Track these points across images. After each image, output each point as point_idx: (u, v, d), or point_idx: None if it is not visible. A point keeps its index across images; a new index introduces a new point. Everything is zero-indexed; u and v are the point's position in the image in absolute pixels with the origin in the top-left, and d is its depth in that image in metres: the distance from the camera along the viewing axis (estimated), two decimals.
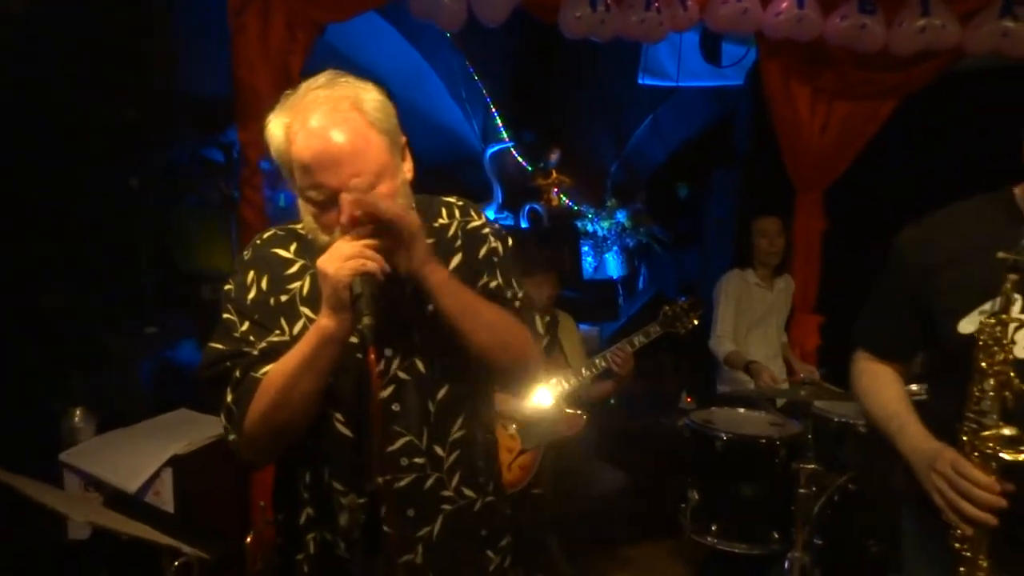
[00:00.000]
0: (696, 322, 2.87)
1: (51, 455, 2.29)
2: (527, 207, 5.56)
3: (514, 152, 5.58)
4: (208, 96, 3.34)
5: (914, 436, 1.34)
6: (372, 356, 1.03)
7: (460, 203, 1.32)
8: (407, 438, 1.19)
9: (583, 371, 2.78)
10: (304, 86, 1.15)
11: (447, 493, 1.23)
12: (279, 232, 1.26)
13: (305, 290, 1.20)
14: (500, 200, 5.59)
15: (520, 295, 1.31)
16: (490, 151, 5.54)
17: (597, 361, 2.79)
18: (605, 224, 5.75)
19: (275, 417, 1.12)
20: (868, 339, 1.54)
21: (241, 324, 1.19)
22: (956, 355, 1.31)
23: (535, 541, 2.91)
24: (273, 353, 1.15)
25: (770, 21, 3.31)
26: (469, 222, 1.29)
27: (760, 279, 3.40)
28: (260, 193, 2.82)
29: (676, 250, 5.85)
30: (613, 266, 5.89)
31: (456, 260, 1.25)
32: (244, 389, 1.14)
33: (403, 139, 1.21)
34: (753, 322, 3.41)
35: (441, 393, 1.22)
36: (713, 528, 2.75)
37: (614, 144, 5.96)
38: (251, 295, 1.20)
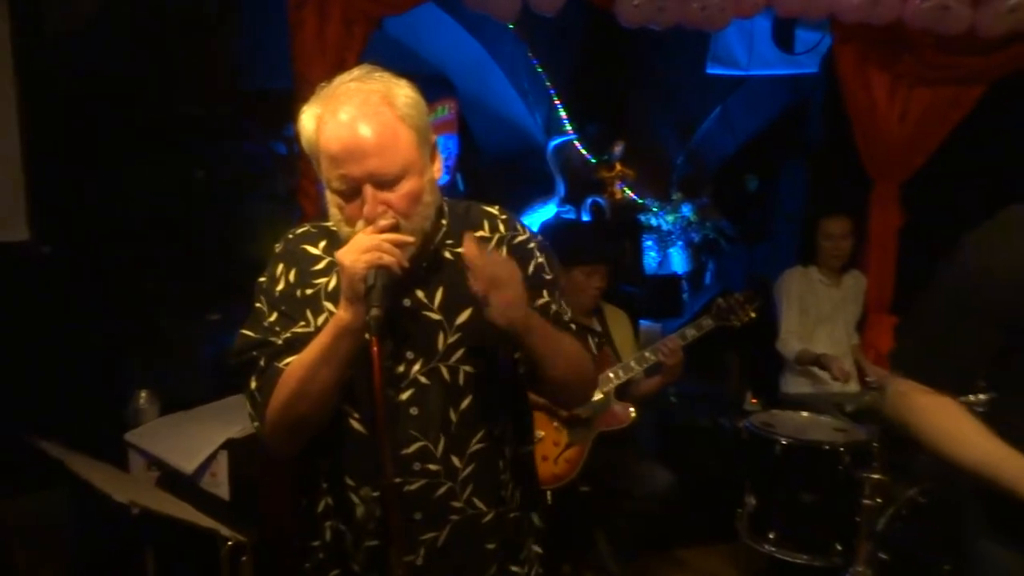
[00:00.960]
0: (753, 315, 2.75)
1: (118, 435, 2.41)
2: (589, 200, 5.48)
3: (577, 144, 5.51)
4: (274, 90, 3.42)
5: None
6: (376, 348, 1.03)
7: (503, 216, 1.29)
8: (422, 443, 1.19)
9: (632, 364, 2.72)
10: (338, 79, 1.16)
11: (457, 504, 1.22)
12: (311, 229, 1.27)
13: (331, 286, 1.21)
14: (563, 193, 5.53)
15: (569, 313, 1.31)
16: (553, 144, 5.49)
17: (646, 354, 2.72)
18: (670, 218, 5.61)
19: (294, 408, 1.14)
20: (930, 372, 1.31)
21: (270, 314, 1.21)
22: None
23: (582, 538, 2.87)
24: (297, 343, 1.17)
25: (844, 4, 3.13)
26: (516, 236, 1.27)
27: (824, 276, 3.26)
28: (316, 185, 2.86)
29: (744, 245, 5.66)
30: (678, 261, 5.75)
31: None
32: (267, 378, 1.17)
33: (433, 138, 1.21)
34: (819, 320, 3.27)
35: (465, 403, 1.21)
36: (771, 536, 2.65)
37: (680, 136, 5.80)
38: (279, 287, 1.23)
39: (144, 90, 2.95)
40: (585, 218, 5.49)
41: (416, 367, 1.19)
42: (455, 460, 1.21)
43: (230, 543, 1.59)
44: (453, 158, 5.37)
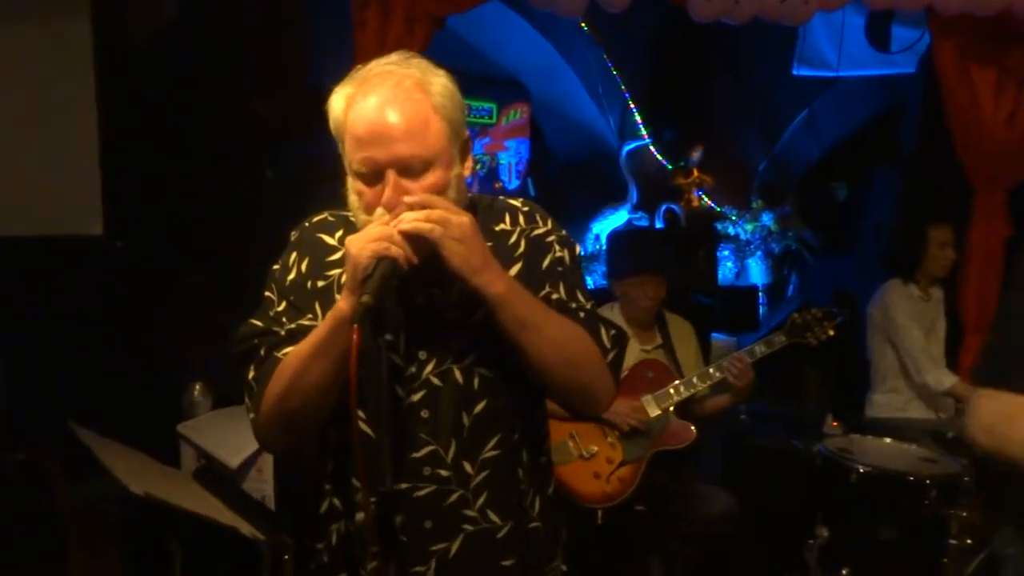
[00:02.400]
0: (831, 333, 2.55)
1: (172, 426, 2.45)
2: (663, 207, 5.30)
3: (652, 149, 5.34)
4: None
5: None
6: (356, 336, 0.97)
7: (525, 208, 1.23)
8: (432, 447, 1.12)
9: (695, 381, 2.56)
10: (374, 62, 1.11)
11: (470, 513, 1.14)
12: (329, 217, 1.22)
13: (344, 278, 1.13)
14: (635, 200, 5.37)
15: (587, 306, 1.20)
16: (627, 148, 5.34)
17: (711, 371, 2.55)
18: (749, 227, 5.35)
19: (287, 402, 1.09)
20: None
21: (278, 304, 1.17)
22: None
23: (635, 562, 2.72)
24: (300, 335, 1.12)
25: None
26: (534, 229, 1.21)
27: (921, 290, 3.02)
28: None
29: (830, 257, 5.33)
30: (756, 272, 5.48)
31: (516, 269, 1.17)
32: (265, 368, 1.12)
33: (466, 134, 1.15)
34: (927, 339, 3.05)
35: (479, 407, 1.14)
36: (844, 572, 2.43)
37: (763, 141, 5.53)
38: (291, 276, 1.18)
39: (217, 90, 3.02)
40: (659, 225, 5.31)
41: (429, 368, 1.12)
42: (467, 466, 1.14)
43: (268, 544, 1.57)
44: (525, 163, 5.32)
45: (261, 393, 1.12)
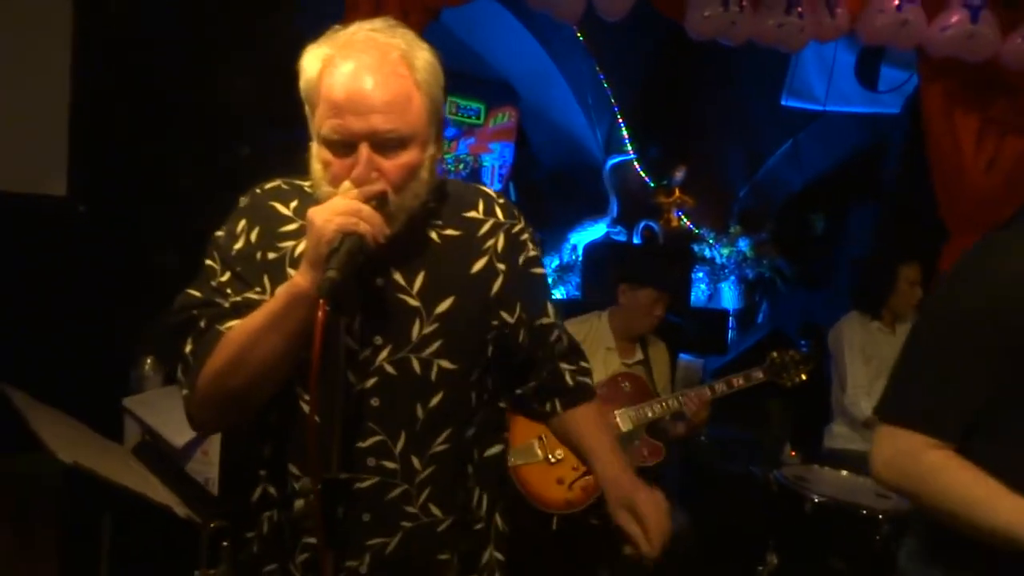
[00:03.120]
0: (804, 377, 2.59)
1: (118, 400, 2.36)
2: (642, 224, 5.30)
3: (637, 166, 5.35)
4: None
5: None
6: (321, 313, 0.91)
7: (501, 200, 1.20)
8: (380, 437, 1.07)
9: (670, 403, 2.56)
10: (356, 25, 1.06)
11: (411, 509, 1.10)
12: (283, 185, 1.15)
13: (298, 251, 1.09)
14: (615, 214, 5.37)
15: (556, 320, 1.24)
16: (611, 162, 5.34)
17: (670, 401, 2.56)
18: (725, 251, 5.38)
19: (229, 379, 1.01)
20: (941, 423, 1.17)
21: (221, 274, 1.09)
22: None
23: (584, 571, 2.69)
24: (246, 309, 1.05)
25: (935, 36, 2.91)
26: (514, 225, 1.18)
27: (883, 324, 3.05)
28: None
29: (803, 288, 5.37)
30: (729, 297, 5.50)
31: (482, 262, 1.13)
32: (205, 342, 1.04)
33: (443, 114, 1.10)
34: (880, 373, 3.05)
35: (435, 400, 1.09)
36: None
37: (746, 167, 5.57)
38: (238, 245, 1.10)
39: (197, 63, 2.94)
40: (636, 241, 5.31)
41: (383, 354, 1.07)
42: (415, 461, 1.09)
43: (213, 525, 1.50)
44: (508, 167, 5.29)
45: (199, 368, 1.04)
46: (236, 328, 1.03)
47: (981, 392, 1.15)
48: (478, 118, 5.04)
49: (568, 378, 1.24)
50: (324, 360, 0.99)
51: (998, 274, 1.15)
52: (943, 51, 2.94)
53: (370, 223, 0.96)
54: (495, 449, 1.20)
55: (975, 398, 1.16)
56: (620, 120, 5.20)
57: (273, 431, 1.10)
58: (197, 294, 1.09)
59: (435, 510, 1.11)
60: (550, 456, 2.52)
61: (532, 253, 1.19)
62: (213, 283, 1.08)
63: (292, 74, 1.07)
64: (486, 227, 1.15)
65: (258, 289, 1.08)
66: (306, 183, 1.11)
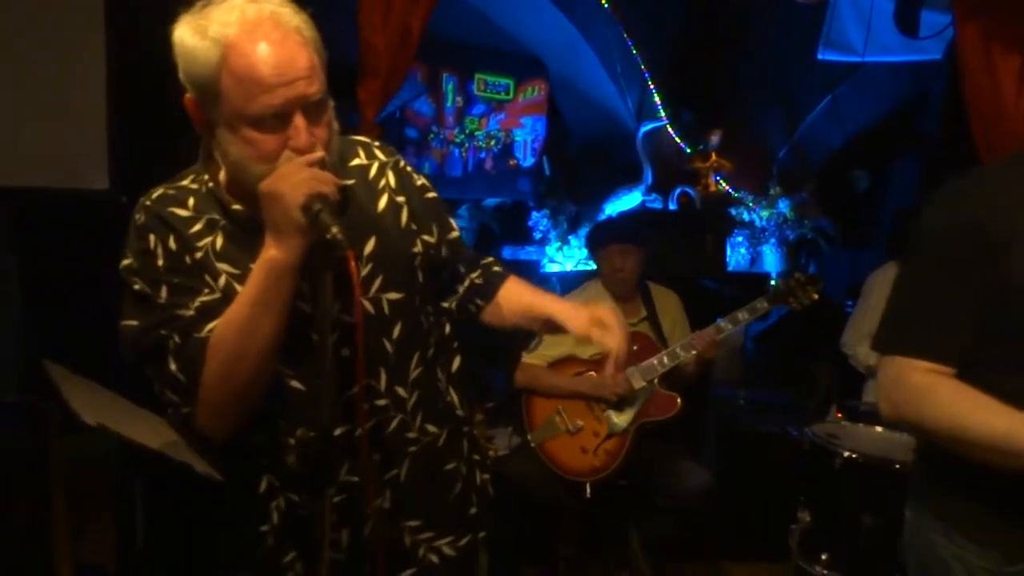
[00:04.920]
0: (815, 297, 2.51)
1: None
2: (678, 190, 5.23)
3: (671, 131, 5.27)
4: (349, 62, 3.46)
5: None
6: (353, 262, 0.98)
7: (376, 143, 1.27)
8: (364, 383, 1.11)
9: (679, 351, 2.55)
10: (227, 3, 1.02)
11: (412, 434, 1.19)
12: (168, 191, 1.12)
13: (218, 246, 1.09)
14: (650, 182, 5.31)
15: (456, 229, 1.33)
16: (644, 129, 5.27)
17: (677, 350, 2.56)
18: (764, 214, 5.26)
19: (237, 372, 1.03)
20: (930, 344, 1.17)
21: (158, 293, 1.06)
22: None
23: (616, 535, 2.73)
24: (211, 311, 1.05)
25: None
26: (397, 161, 1.26)
27: None
28: None
29: (848, 248, 5.22)
30: (771, 260, 5.38)
31: (384, 199, 1.21)
32: (191, 353, 1.03)
33: None
34: None
35: (397, 331, 1.17)
36: (823, 557, 2.40)
37: (784, 127, 5.42)
38: (160, 261, 1.07)
39: None
40: (672, 207, 5.24)
41: (336, 307, 1.10)
42: (400, 391, 1.17)
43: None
44: (541, 141, 5.29)
45: (195, 379, 1.03)
46: (221, 326, 1.03)
47: (966, 314, 1.15)
48: (507, 93, 5.05)
49: (479, 278, 1.33)
50: (295, 330, 1.05)
51: (973, 200, 1.16)
52: None
53: (327, 182, 1.01)
54: (457, 362, 1.29)
55: (961, 320, 1.16)
56: (651, 86, 5.12)
57: (260, 417, 1.10)
58: (139, 321, 1.06)
59: (432, 428, 1.21)
60: (570, 427, 2.56)
61: (420, 180, 1.27)
62: (160, 302, 1.06)
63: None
64: (374, 169, 1.22)
65: (207, 290, 1.07)
66: (185, 181, 1.13)
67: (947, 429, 1.14)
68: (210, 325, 1.04)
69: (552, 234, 5.09)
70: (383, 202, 1.20)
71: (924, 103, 4.39)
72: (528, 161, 5.22)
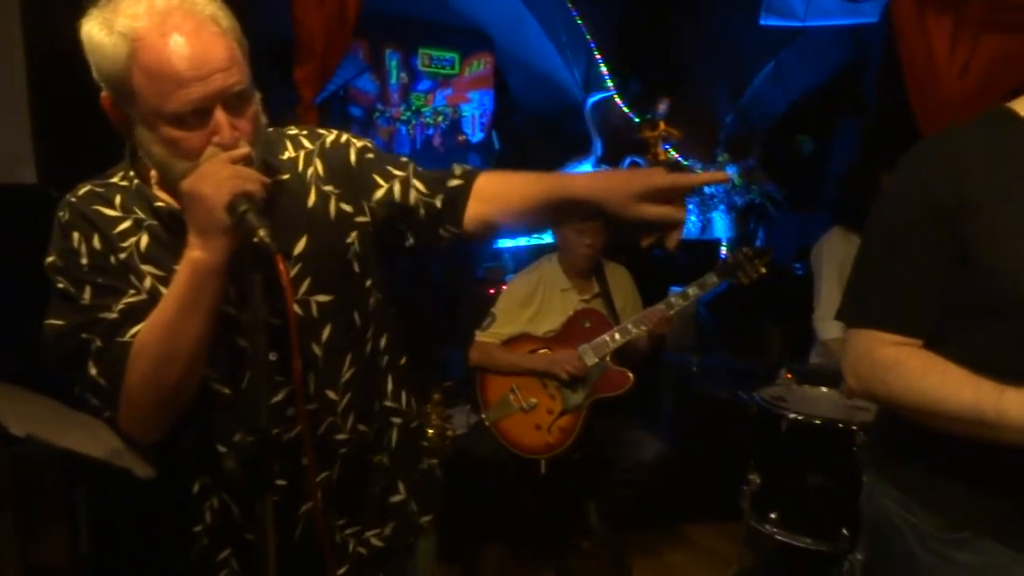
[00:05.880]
0: (763, 271, 2.55)
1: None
2: (628, 160, 5.24)
3: (618, 101, 5.26)
4: (286, 38, 3.36)
5: None
6: (282, 265, 0.94)
7: (304, 132, 1.21)
8: (290, 387, 1.09)
9: (631, 328, 2.57)
10: None
11: (342, 436, 1.16)
12: (96, 188, 1.09)
13: (143, 246, 1.06)
14: (600, 153, 5.32)
15: (406, 171, 1.20)
16: (591, 100, 5.26)
17: (629, 326, 2.57)
18: None
19: (163, 377, 1.00)
20: (897, 317, 1.15)
21: (82, 293, 1.03)
22: (1018, 311, 1.07)
23: (574, 507, 2.77)
24: (135, 314, 1.02)
25: None
26: (324, 140, 1.19)
27: None
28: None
29: (797, 211, 5.32)
30: (721, 227, 5.46)
31: (312, 193, 1.15)
32: (114, 358, 1.01)
33: None
34: None
35: (326, 334, 1.13)
36: (773, 516, 2.48)
37: (730, 93, 5.46)
38: (84, 260, 1.04)
39: None
40: None
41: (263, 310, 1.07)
42: (330, 394, 1.14)
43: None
44: (489, 115, 5.24)
45: (117, 384, 1.01)
46: (146, 330, 1.01)
47: (932, 284, 1.13)
48: (453, 68, 4.98)
49: (439, 202, 1.18)
50: (254, 324, 1.01)
51: (935, 166, 1.13)
52: None
53: (252, 180, 0.98)
54: (404, 359, 1.27)
55: (926, 290, 1.14)
56: (597, 57, 5.10)
57: (189, 419, 1.08)
58: (65, 321, 1.03)
59: (363, 427, 1.19)
60: (524, 405, 2.58)
61: (358, 144, 1.20)
62: (82, 303, 1.03)
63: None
64: (301, 161, 1.17)
65: (132, 292, 1.05)
66: (114, 178, 1.10)
67: (915, 403, 1.11)
68: (134, 329, 1.01)
69: None
70: (312, 197, 1.16)
71: (864, 66, 4.46)
72: (477, 136, 5.18)
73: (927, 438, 1.14)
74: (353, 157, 1.19)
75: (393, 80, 4.66)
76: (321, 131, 1.22)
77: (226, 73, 0.97)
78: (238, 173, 0.97)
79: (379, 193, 1.19)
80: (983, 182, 1.09)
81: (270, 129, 1.16)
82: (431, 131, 4.94)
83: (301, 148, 1.19)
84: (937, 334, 1.15)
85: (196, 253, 0.98)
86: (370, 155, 1.21)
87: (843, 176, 3.47)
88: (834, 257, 3.00)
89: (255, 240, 0.94)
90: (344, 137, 1.21)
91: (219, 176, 0.96)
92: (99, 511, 1.59)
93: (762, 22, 4.76)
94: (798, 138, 5.20)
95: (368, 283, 1.20)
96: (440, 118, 4.97)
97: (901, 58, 3.16)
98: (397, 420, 1.26)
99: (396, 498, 1.25)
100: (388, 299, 1.24)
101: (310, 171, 1.17)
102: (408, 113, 4.77)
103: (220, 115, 0.98)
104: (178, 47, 0.96)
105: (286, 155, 1.17)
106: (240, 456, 1.08)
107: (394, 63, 4.64)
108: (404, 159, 1.24)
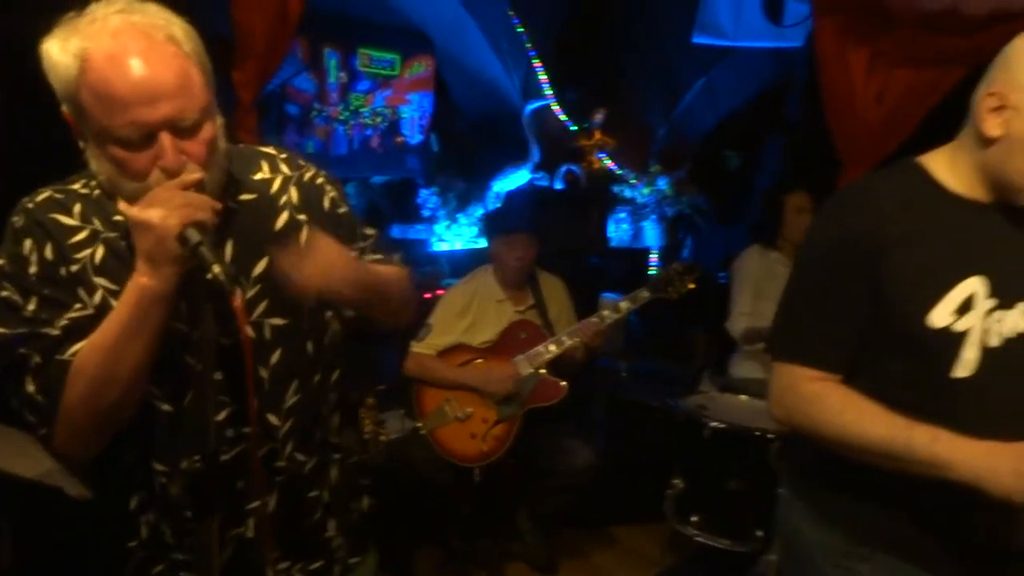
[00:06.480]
0: (691, 286, 2.68)
1: None
2: (564, 168, 5.34)
3: (556, 110, 5.35)
4: (224, 38, 3.28)
5: (954, 441, 1.09)
6: (239, 302, 0.95)
7: (284, 155, 1.22)
8: (231, 408, 1.09)
9: (565, 339, 2.65)
10: (96, 7, 0.98)
11: (280, 463, 1.15)
12: (55, 195, 1.07)
13: (98, 258, 1.05)
14: (537, 159, 5.39)
15: (371, 235, 1.29)
16: (530, 107, 5.33)
17: (563, 338, 2.65)
18: (645, 191, 5.48)
19: (101, 398, 0.99)
20: (819, 353, 1.23)
21: (27, 303, 1.01)
22: (922, 349, 1.17)
23: (504, 513, 2.83)
24: (78, 330, 1.01)
25: None
26: (304, 173, 1.21)
27: (785, 257, 3.18)
28: (254, 135, 2.75)
29: (724, 224, 5.53)
30: (652, 235, 5.63)
31: (284, 218, 1.16)
32: (50, 376, 0.99)
33: (213, 79, 1.07)
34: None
35: (275, 358, 1.13)
36: (693, 519, 2.61)
37: (664, 107, 5.64)
38: (33, 269, 1.02)
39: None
40: (558, 186, 5.36)
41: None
42: (272, 419, 1.14)
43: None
44: (428, 117, 5.24)
45: (55, 404, 0.99)
46: (87, 350, 0.99)
47: (852, 321, 1.20)
48: (393, 69, 4.95)
49: None
50: (204, 343, 1.01)
51: (859, 209, 1.21)
52: None
53: (203, 208, 0.97)
54: (355, 393, 1.29)
55: (846, 329, 1.21)
56: (536, 65, 5.17)
57: (132, 436, 1.07)
58: (5, 330, 1.01)
59: (301, 456, 1.17)
60: (459, 414, 2.62)
61: (333, 194, 1.23)
62: (24, 314, 1.01)
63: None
64: (276, 184, 1.17)
65: (78, 306, 1.03)
66: (76, 185, 1.08)
67: (835, 436, 1.19)
68: (75, 347, 1.00)
69: (441, 212, 5.08)
70: (282, 219, 1.15)
71: (790, 86, 4.68)
72: (416, 138, 5.17)
73: (834, 459, 1.22)
74: (327, 204, 1.22)
75: (332, 79, 4.60)
76: (302, 163, 1.22)
77: (175, 101, 0.96)
78: (189, 201, 0.96)
79: (360, 249, 1.24)
80: (898, 227, 1.18)
81: (242, 145, 1.18)
82: (369, 132, 4.91)
83: (278, 172, 1.19)
84: (854, 365, 1.23)
85: (144, 280, 0.98)
86: (341, 210, 1.23)
87: (763, 197, 3.65)
88: (750, 273, 3.19)
89: (208, 277, 0.94)
90: (320, 179, 1.23)
91: (169, 204, 0.96)
92: (23, 525, 1.54)
93: (694, 39, 4.94)
94: (725, 154, 5.41)
95: (328, 314, 1.20)
96: (379, 119, 4.94)
97: (821, 83, 3.35)
98: (338, 456, 1.26)
99: (328, 535, 1.23)
100: (348, 334, 1.24)
101: (284, 197, 1.17)
102: (346, 113, 4.72)
103: (165, 139, 0.97)
104: (121, 70, 0.94)
105: (259, 175, 1.17)
106: (186, 480, 1.09)
107: (333, 62, 4.58)
108: (369, 230, 1.29)
